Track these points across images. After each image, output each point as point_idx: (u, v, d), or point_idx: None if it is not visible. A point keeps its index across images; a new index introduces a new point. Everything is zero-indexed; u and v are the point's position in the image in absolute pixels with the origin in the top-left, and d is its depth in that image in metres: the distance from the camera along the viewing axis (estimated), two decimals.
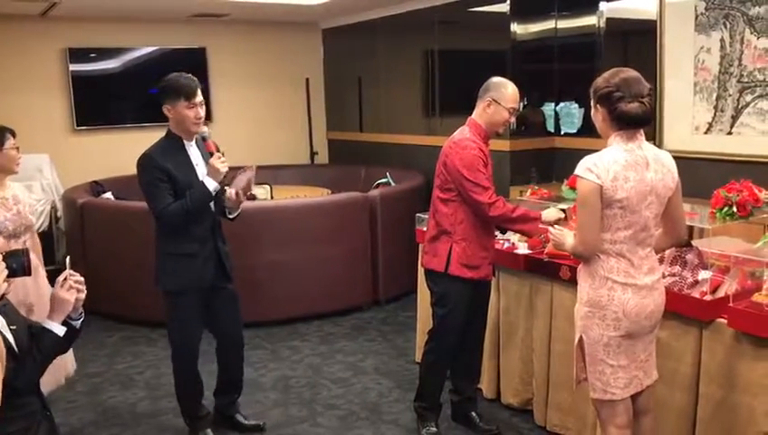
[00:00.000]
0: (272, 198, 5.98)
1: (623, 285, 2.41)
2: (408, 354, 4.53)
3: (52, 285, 2.25)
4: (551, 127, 5.68)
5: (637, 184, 2.35)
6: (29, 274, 2.01)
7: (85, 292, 2.22)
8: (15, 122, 3.85)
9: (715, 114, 4.40)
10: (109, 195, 6.00)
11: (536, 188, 4.23)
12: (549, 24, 5.59)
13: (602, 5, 5.16)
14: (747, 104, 4.23)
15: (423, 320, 4.13)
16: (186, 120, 3.15)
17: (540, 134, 5.68)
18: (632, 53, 5.13)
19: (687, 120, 4.55)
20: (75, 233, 5.69)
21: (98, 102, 6.93)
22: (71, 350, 3.33)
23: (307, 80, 7.89)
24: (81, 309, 2.25)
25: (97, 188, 6.21)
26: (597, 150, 2.41)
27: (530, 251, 3.54)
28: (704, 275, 2.79)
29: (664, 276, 2.74)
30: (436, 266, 3.26)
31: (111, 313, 5.32)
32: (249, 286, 4.66)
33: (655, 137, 4.58)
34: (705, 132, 4.46)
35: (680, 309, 2.75)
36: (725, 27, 4.28)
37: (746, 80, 4.22)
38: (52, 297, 2.18)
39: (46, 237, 5.77)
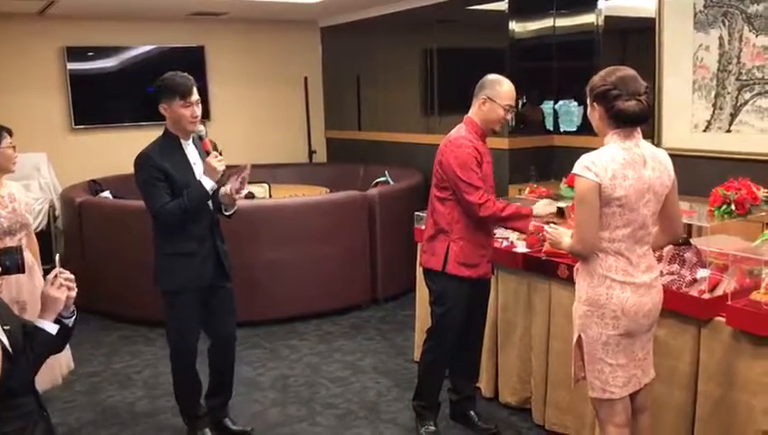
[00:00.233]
0: (270, 196, 5.97)
1: (622, 283, 2.41)
2: (407, 353, 4.52)
3: None
4: (549, 125, 5.67)
5: (635, 182, 2.35)
6: (23, 271, 2.01)
7: (76, 290, 2.20)
8: (13, 121, 3.84)
9: (713, 112, 4.40)
10: (107, 194, 5.99)
11: (535, 186, 4.23)
12: (547, 23, 5.59)
13: (601, 3, 5.15)
14: (746, 102, 4.22)
15: (422, 319, 4.12)
16: (182, 119, 3.15)
17: (539, 132, 5.68)
18: (631, 51, 5.12)
19: (686, 118, 4.54)
20: (73, 232, 5.69)
21: (96, 101, 6.92)
22: (67, 348, 3.35)
23: (305, 78, 7.88)
24: (74, 307, 2.24)
25: (95, 186, 6.21)
26: (596, 148, 2.41)
27: (528, 250, 3.53)
28: (702, 273, 2.78)
29: (662, 275, 2.73)
30: (434, 265, 3.26)
31: (110, 312, 5.32)
32: (247, 285, 4.66)
33: (654, 135, 4.58)
34: (704, 130, 4.46)
35: (679, 307, 2.74)
36: (724, 25, 4.27)
37: (745, 77, 4.21)
38: (43, 296, 2.16)
39: (44, 236, 5.77)
